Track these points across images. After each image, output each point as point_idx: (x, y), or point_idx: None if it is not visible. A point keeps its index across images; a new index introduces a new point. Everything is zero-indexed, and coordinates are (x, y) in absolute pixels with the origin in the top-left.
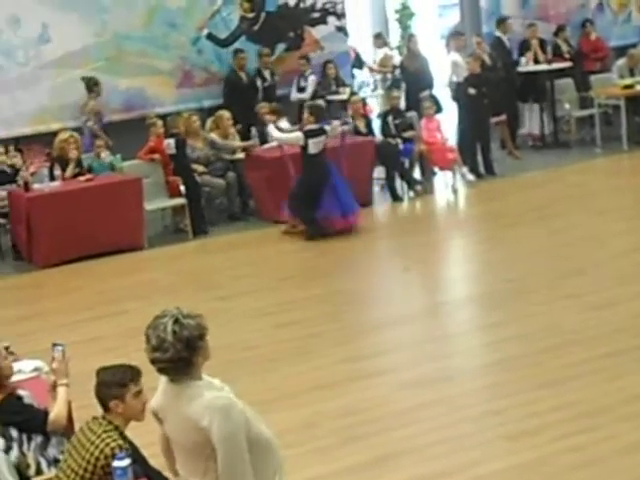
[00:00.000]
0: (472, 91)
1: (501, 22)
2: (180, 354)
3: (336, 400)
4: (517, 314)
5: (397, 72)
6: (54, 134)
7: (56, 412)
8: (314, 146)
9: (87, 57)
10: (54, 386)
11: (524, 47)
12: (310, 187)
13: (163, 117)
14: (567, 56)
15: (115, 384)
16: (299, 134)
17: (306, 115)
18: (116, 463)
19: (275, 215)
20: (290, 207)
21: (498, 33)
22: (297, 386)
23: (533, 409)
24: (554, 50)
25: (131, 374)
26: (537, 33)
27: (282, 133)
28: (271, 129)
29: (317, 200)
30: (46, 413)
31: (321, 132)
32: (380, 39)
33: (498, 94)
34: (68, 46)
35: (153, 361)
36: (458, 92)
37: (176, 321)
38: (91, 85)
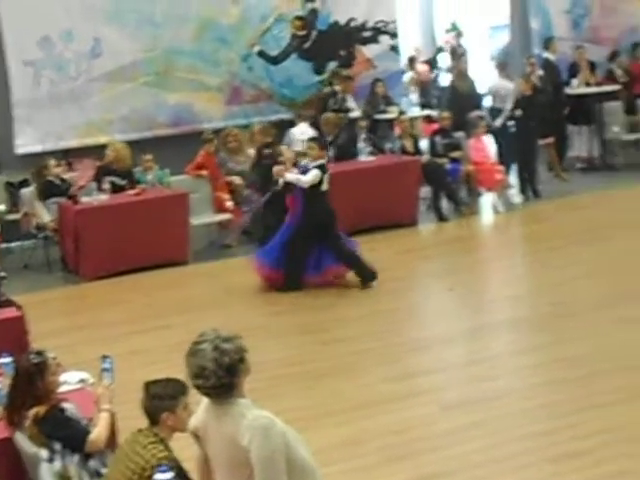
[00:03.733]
0: (518, 113)
1: (549, 42)
2: (222, 380)
3: (380, 418)
4: (562, 337)
5: (434, 92)
6: (102, 147)
7: (96, 434)
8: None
9: (137, 71)
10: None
11: (574, 69)
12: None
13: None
14: (622, 80)
15: (168, 396)
16: (316, 171)
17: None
18: (158, 476)
19: None
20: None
21: (546, 54)
22: (341, 403)
23: (578, 432)
24: (607, 75)
25: (181, 387)
26: (585, 56)
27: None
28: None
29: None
30: (87, 432)
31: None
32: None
33: (546, 116)
34: (118, 60)
35: (196, 387)
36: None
37: (216, 348)
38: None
